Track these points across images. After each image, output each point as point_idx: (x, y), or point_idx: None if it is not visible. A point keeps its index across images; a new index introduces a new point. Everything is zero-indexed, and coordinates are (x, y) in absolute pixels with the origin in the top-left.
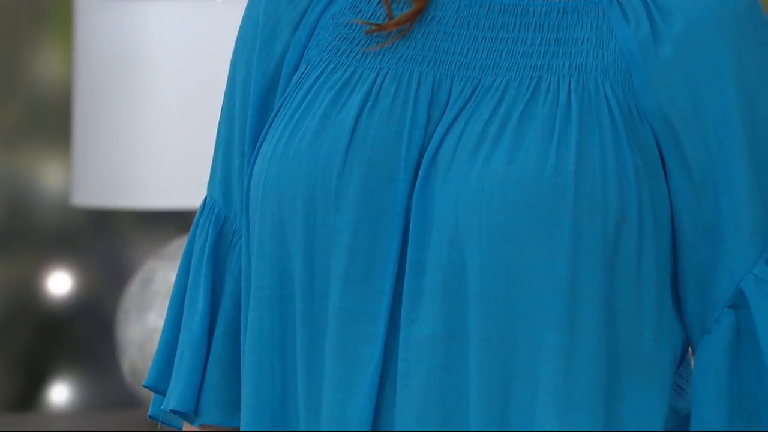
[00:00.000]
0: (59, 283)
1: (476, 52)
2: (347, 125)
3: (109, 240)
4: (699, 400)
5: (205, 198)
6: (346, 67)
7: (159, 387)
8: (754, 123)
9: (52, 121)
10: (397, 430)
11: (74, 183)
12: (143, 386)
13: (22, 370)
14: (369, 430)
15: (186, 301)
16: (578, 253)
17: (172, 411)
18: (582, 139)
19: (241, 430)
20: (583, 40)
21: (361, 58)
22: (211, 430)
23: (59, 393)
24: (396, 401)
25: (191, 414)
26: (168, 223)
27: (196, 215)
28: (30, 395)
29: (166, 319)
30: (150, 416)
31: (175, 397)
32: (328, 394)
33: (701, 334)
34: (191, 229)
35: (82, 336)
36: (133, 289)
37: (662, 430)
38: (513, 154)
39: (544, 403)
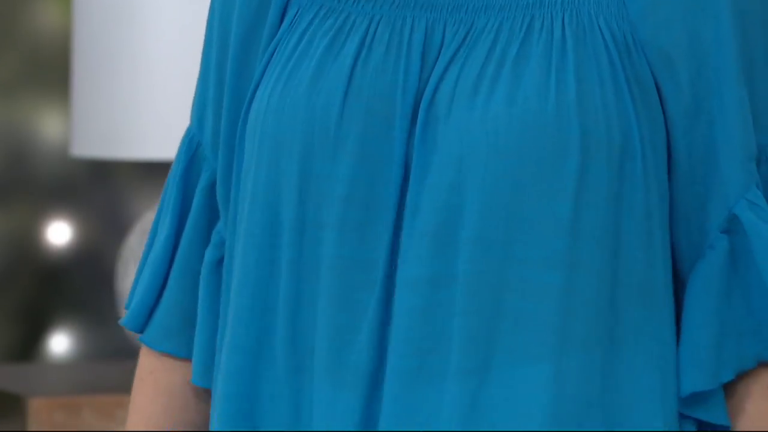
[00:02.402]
0: (59, 233)
1: None
2: (343, 74)
3: (109, 191)
4: (689, 322)
5: (189, 125)
6: (338, 12)
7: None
8: (747, 49)
9: (51, 71)
10: (387, 368)
11: (74, 134)
12: (125, 307)
13: (21, 321)
14: (369, 375)
15: (156, 222)
16: (582, 192)
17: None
18: (581, 76)
19: (221, 370)
20: None
21: (353, 2)
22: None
23: (59, 343)
24: (390, 339)
25: (137, 331)
26: (167, 173)
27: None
28: (30, 345)
29: (146, 245)
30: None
31: (128, 315)
32: (323, 341)
33: (693, 260)
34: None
35: (81, 286)
36: (133, 239)
37: (671, 366)
38: (512, 94)
39: (535, 343)
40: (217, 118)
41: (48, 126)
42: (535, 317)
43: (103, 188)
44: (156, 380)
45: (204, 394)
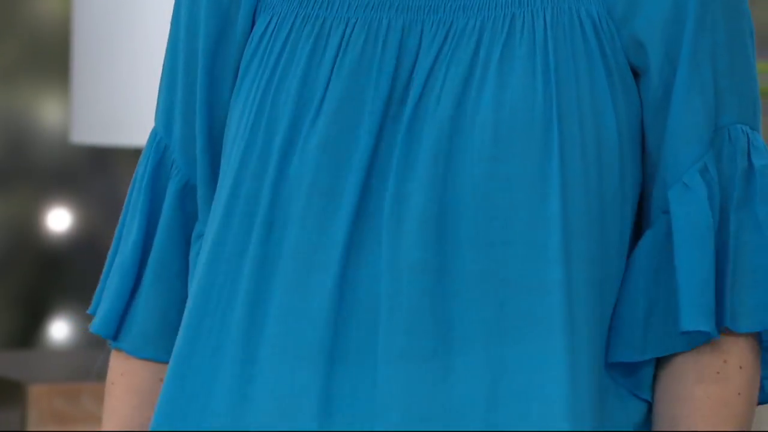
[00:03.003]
0: (59, 220)
1: None
2: (322, 80)
3: (108, 177)
4: (622, 297)
5: (153, 128)
6: (314, 18)
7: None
8: (711, 33)
9: (51, 58)
10: (380, 347)
11: (73, 121)
12: (88, 312)
13: (21, 307)
14: (325, 353)
15: (122, 226)
16: (567, 189)
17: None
18: (560, 77)
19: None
20: None
21: (328, 7)
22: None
23: (59, 330)
24: (380, 319)
25: (110, 338)
26: None
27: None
28: (30, 332)
29: (111, 248)
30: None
31: (97, 321)
32: (274, 323)
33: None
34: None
35: (81, 273)
36: None
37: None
38: (499, 99)
39: (545, 336)
40: (186, 121)
41: (48, 113)
42: (546, 313)
43: (102, 175)
44: (128, 382)
45: None
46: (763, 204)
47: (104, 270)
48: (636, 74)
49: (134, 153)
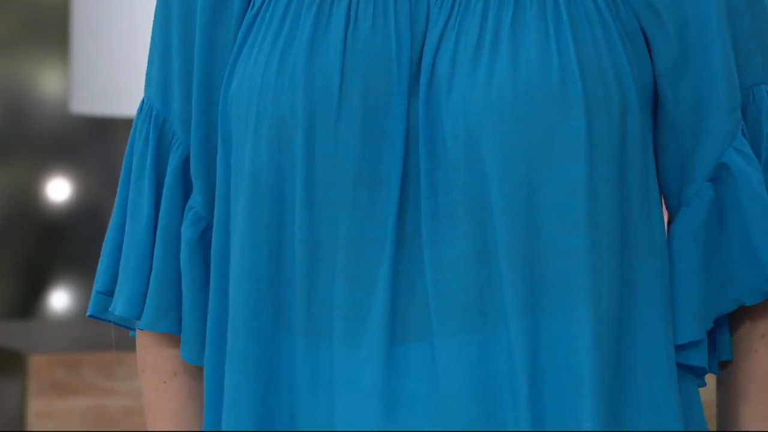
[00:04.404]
0: (58, 190)
1: None
2: (337, 51)
3: (108, 147)
4: (682, 271)
5: (143, 100)
6: None
7: (113, 291)
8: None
9: (51, 28)
10: (435, 349)
11: (73, 91)
12: (98, 291)
13: (21, 277)
14: (385, 350)
15: (129, 205)
16: (594, 152)
17: (119, 316)
18: (577, 37)
19: (229, 353)
20: None
21: None
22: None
23: (59, 300)
24: (431, 322)
25: (137, 319)
26: None
27: (135, 118)
28: (30, 302)
29: (111, 224)
30: (90, 315)
31: (122, 303)
32: (339, 321)
33: (677, 208)
34: (131, 132)
35: (81, 243)
36: None
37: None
38: (515, 61)
39: (578, 304)
40: (185, 93)
41: (47, 83)
42: (575, 280)
43: (102, 145)
44: (183, 382)
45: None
46: None
47: (105, 245)
48: (647, 40)
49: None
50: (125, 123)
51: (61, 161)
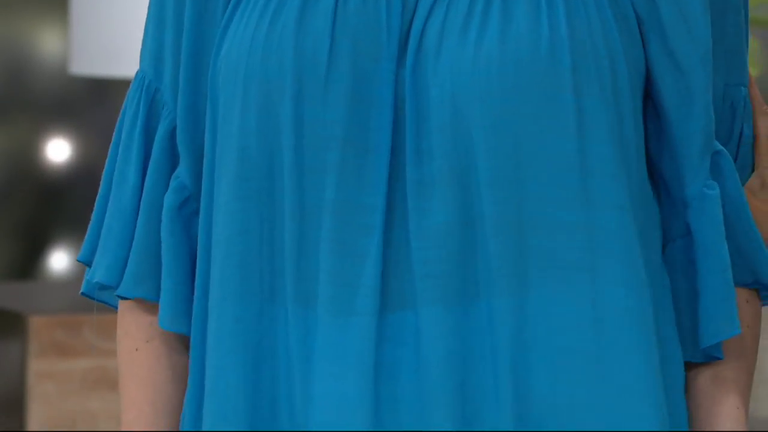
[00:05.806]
0: (58, 150)
1: None
2: (327, 16)
3: (108, 108)
4: (709, 267)
5: (138, 70)
6: None
7: (93, 261)
8: None
9: None
10: (419, 317)
11: (73, 51)
12: (78, 259)
13: (21, 238)
14: (376, 318)
15: (116, 173)
16: (584, 127)
17: (99, 284)
18: (570, 14)
19: (218, 317)
20: None
21: None
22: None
23: (59, 260)
24: (415, 290)
25: (117, 286)
26: None
27: (130, 87)
28: (29, 263)
29: (99, 193)
30: (82, 293)
31: (102, 270)
32: (327, 288)
33: (684, 186)
34: (125, 100)
35: (81, 204)
36: None
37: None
38: (504, 32)
39: (571, 281)
40: (177, 63)
41: (47, 44)
42: (565, 255)
43: (102, 106)
44: (154, 348)
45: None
46: (743, 171)
47: (95, 213)
48: (640, 25)
49: None
50: (125, 83)
51: (60, 122)
